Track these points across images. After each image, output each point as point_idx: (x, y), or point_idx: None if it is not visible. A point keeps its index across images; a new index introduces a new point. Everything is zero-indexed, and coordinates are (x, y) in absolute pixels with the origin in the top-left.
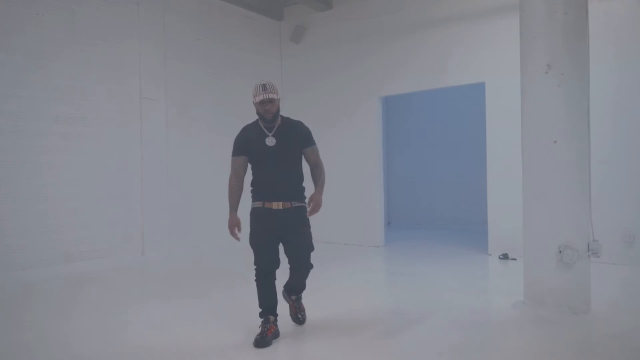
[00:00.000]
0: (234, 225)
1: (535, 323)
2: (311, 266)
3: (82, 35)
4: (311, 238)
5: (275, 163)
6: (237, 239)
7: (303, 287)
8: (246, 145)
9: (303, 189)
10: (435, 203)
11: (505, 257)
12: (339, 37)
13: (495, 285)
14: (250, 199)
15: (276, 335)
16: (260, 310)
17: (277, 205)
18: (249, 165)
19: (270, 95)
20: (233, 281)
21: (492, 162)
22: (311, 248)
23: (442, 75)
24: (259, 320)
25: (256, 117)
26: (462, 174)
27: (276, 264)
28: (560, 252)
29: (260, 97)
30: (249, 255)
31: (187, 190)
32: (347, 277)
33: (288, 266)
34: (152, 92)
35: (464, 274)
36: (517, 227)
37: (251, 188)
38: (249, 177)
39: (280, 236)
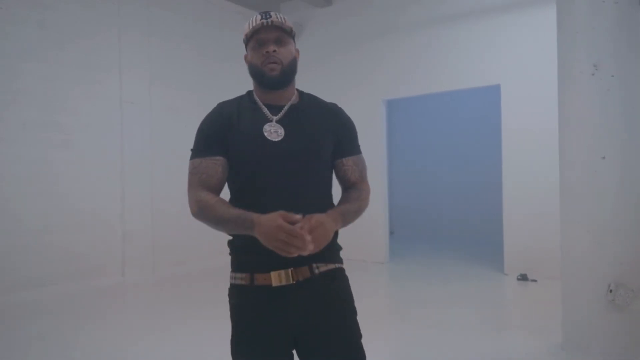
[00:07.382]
0: (276, 226)
1: None
2: None
3: (54, 31)
4: (359, 334)
5: (281, 179)
6: (307, 242)
7: None
8: (223, 134)
9: (335, 234)
10: (442, 213)
11: (524, 278)
12: (340, 36)
13: (521, 318)
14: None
15: None
16: None
17: (279, 277)
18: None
19: (276, 23)
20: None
21: (508, 172)
22: (362, 358)
23: (452, 77)
24: None
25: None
26: (471, 182)
27: None
28: (610, 291)
29: (257, 25)
30: None
31: (174, 204)
32: None
33: None
34: (134, 95)
35: (482, 302)
36: (537, 245)
37: (230, 238)
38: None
39: (296, 341)
